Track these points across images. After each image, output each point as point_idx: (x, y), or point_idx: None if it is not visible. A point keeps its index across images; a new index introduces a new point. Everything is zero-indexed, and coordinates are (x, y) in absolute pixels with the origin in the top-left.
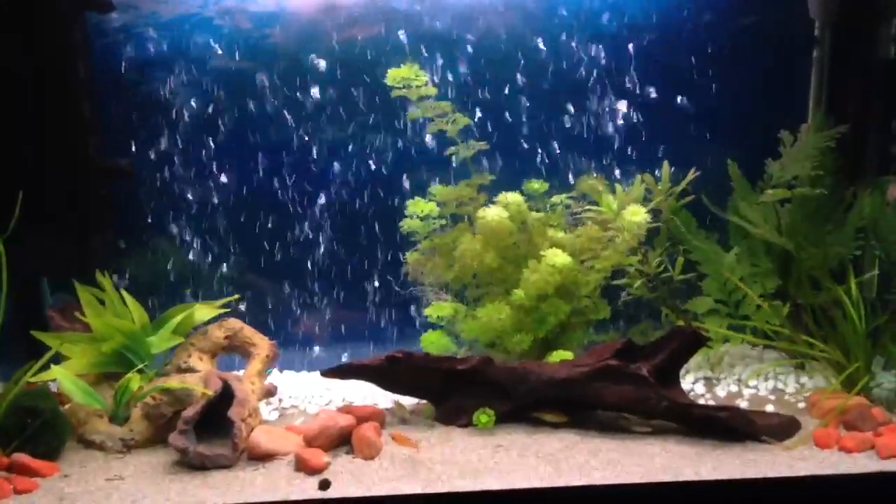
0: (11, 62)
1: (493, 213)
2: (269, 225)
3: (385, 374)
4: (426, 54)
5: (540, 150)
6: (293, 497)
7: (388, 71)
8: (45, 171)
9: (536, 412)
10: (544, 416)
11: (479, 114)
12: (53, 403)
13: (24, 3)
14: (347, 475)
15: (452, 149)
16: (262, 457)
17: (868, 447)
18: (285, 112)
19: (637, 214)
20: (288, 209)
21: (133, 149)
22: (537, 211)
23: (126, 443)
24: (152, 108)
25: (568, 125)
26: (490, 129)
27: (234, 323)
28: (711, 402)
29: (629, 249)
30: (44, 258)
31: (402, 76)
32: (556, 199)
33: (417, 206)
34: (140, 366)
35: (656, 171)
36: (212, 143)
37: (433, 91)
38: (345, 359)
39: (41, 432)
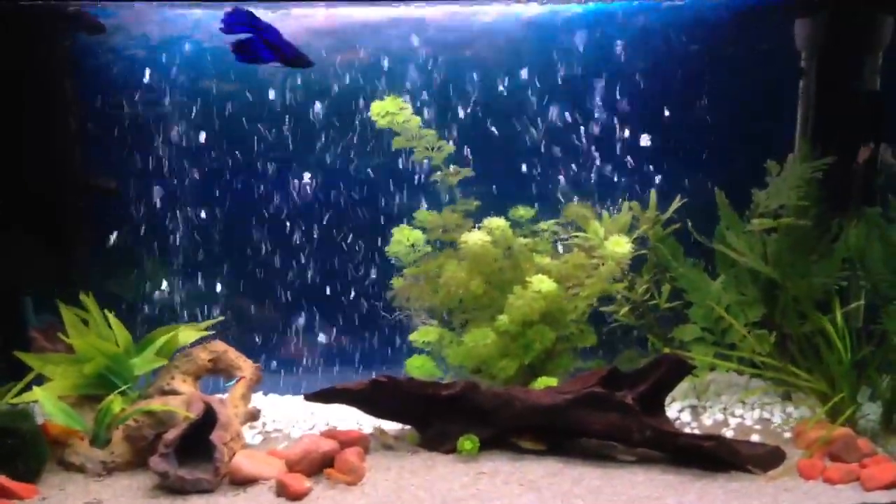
0: None
1: (475, 238)
2: (255, 247)
3: (369, 399)
4: (415, 79)
5: (528, 177)
6: None
7: (372, 104)
8: (29, 189)
9: (517, 438)
10: (523, 443)
11: (468, 140)
12: (33, 425)
13: (13, 22)
14: (329, 501)
15: (437, 174)
16: (243, 481)
17: (853, 479)
18: (274, 134)
19: (620, 245)
20: (273, 230)
21: (119, 168)
22: (524, 237)
23: (106, 465)
24: (141, 128)
25: (556, 152)
26: (478, 155)
27: (219, 345)
28: (697, 431)
29: (614, 277)
30: (26, 277)
31: (387, 109)
32: (543, 225)
33: (403, 234)
34: (122, 388)
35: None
36: (200, 164)
37: (417, 123)
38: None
39: (20, 454)
